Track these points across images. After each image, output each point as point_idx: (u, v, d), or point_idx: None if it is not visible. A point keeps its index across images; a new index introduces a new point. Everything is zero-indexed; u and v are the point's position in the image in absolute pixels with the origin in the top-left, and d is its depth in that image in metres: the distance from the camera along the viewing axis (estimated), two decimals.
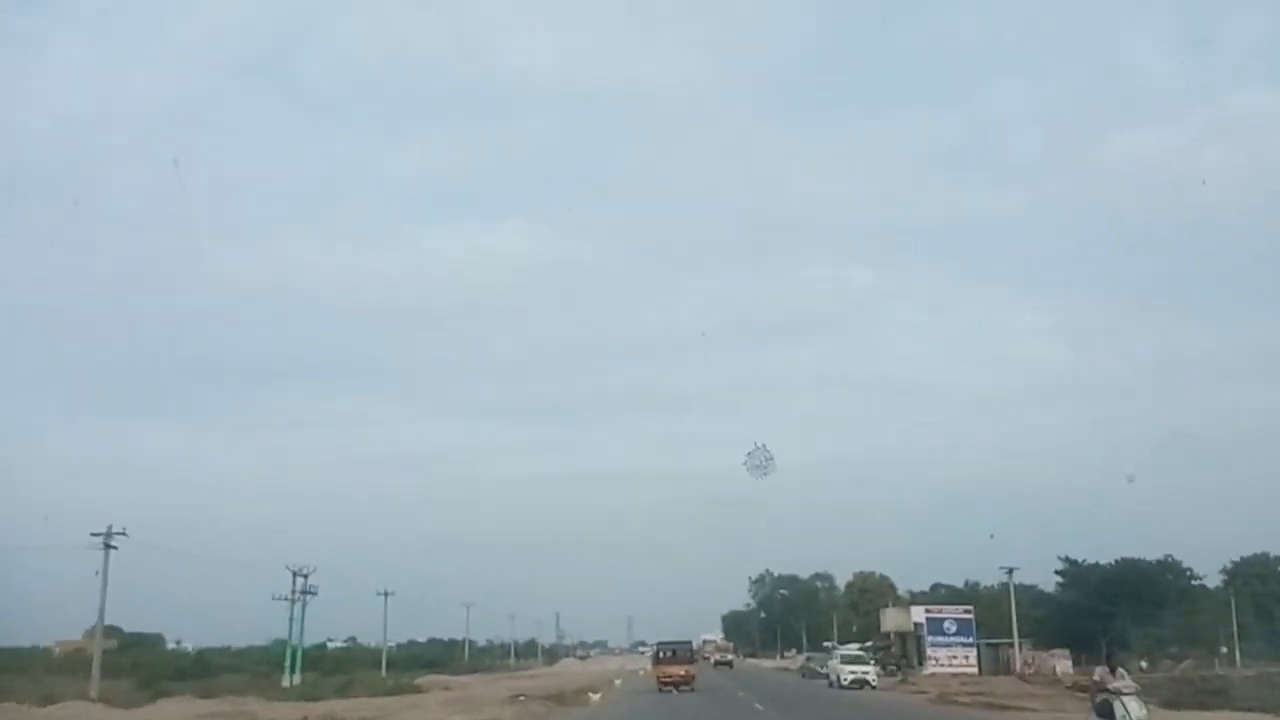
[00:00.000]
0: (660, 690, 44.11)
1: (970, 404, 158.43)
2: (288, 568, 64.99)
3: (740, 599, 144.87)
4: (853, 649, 57.84)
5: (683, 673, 45.41)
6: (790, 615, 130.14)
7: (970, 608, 70.34)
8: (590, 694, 34.58)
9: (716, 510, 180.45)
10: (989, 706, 36.20)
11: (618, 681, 53.05)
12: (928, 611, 69.09)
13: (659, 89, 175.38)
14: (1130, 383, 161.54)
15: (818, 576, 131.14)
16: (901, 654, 68.57)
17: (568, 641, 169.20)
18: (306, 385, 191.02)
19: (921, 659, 66.28)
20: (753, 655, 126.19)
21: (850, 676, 47.54)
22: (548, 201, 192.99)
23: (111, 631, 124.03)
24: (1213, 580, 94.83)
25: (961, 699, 38.66)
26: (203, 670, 73.74)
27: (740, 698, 38.90)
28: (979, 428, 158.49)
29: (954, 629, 67.24)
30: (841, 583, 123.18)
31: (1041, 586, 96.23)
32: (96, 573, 49.96)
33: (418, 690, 51.45)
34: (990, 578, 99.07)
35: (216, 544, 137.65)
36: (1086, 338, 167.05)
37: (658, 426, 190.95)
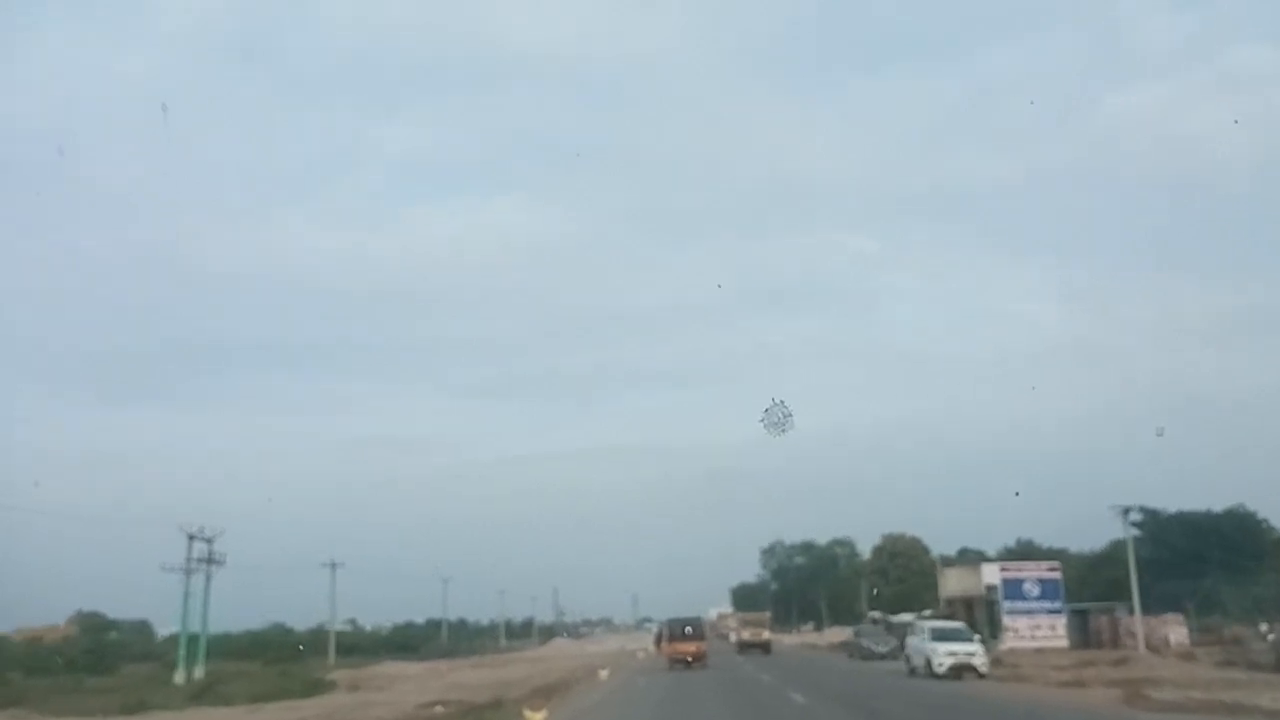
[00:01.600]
0: (670, 668, 40.49)
1: (977, 369, 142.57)
2: (181, 528, 47.39)
3: (750, 571, 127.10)
4: (934, 619, 40.49)
5: (694, 649, 42.49)
6: (807, 585, 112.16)
7: (1057, 564, 52.90)
8: (528, 714, 16.85)
9: (721, 483, 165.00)
10: (1233, 711, 19.05)
11: (603, 673, 35.22)
12: (1003, 570, 51.42)
13: (653, 58, 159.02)
14: (1135, 343, 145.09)
15: (836, 542, 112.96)
16: (969, 624, 50.76)
17: (569, 619, 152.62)
18: (303, 369, 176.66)
19: (995, 630, 48.77)
20: None
21: (949, 661, 29.98)
22: (544, 175, 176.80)
23: (90, 618, 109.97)
24: None
25: (1187, 699, 21.13)
26: (96, 662, 56.76)
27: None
28: (987, 393, 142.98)
29: (1037, 592, 49.96)
30: (863, 548, 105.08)
31: (1089, 547, 79.72)
32: None
33: (319, 690, 34.10)
34: (1047, 537, 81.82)
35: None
36: (1090, 299, 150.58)
37: (660, 400, 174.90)
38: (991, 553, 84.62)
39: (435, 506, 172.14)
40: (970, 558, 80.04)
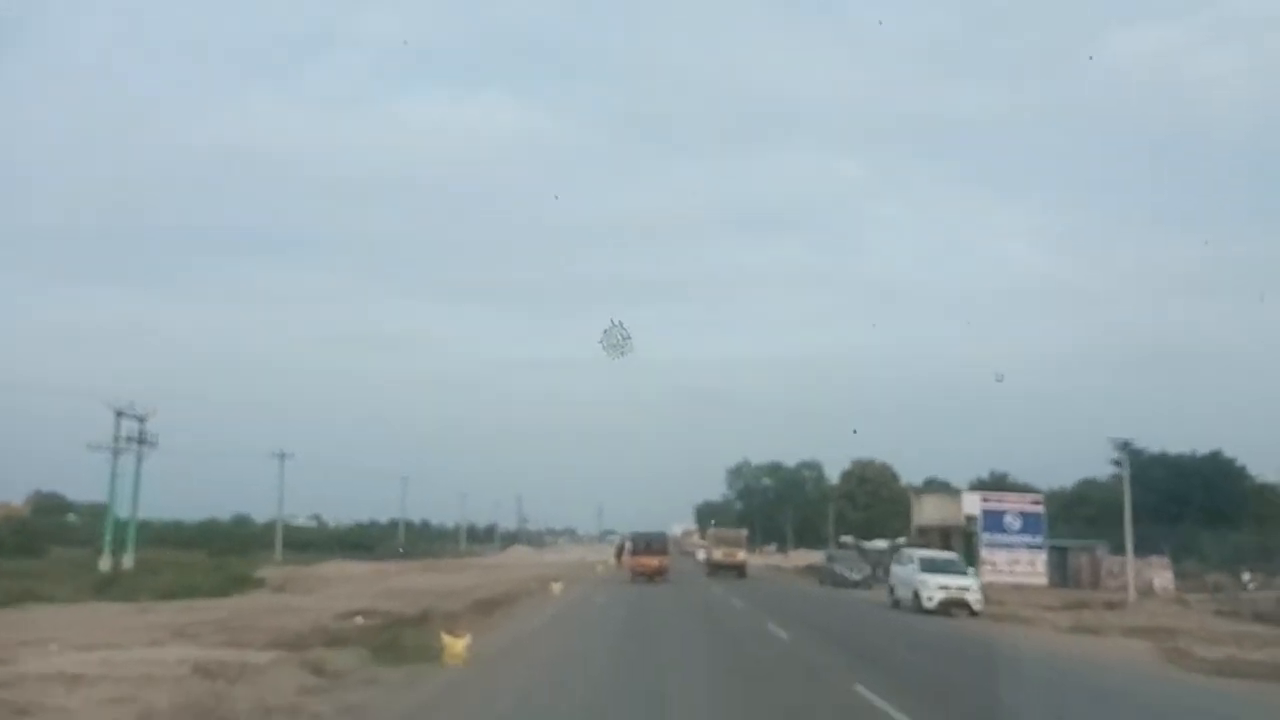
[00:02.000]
0: (633, 580, 41.64)
1: (955, 302, 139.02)
2: (109, 405, 43.19)
3: (716, 490, 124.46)
4: (910, 546, 37.38)
5: (657, 564, 43.23)
6: (773, 507, 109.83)
7: (1040, 497, 49.99)
8: (448, 641, 13.03)
9: (693, 401, 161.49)
10: None
11: (556, 587, 31.63)
12: (984, 501, 48.43)
13: None
14: (1115, 288, 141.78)
15: (804, 465, 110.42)
16: None
17: (532, 527, 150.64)
18: (272, 257, 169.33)
19: (972, 563, 45.86)
20: None
21: (940, 595, 26.70)
22: (527, 74, 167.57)
23: (49, 499, 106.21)
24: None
25: (1234, 659, 17.78)
26: (26, 542, 53.21)
27: (813, 668, 16.81)
28: (963, 327, 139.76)
29: (1018, 526, 47.06)
30: (831, 473, 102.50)
31: (1058, 485, 77.54)
32: None
33: (242, 588, 30.52)
34: (1023, 472, 79.16)
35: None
36: (1074, 241, 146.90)
37: (634, 314, 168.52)
38: (960, 484, 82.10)
39: (405, 407, 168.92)
40: (938, 488, 77.50)
